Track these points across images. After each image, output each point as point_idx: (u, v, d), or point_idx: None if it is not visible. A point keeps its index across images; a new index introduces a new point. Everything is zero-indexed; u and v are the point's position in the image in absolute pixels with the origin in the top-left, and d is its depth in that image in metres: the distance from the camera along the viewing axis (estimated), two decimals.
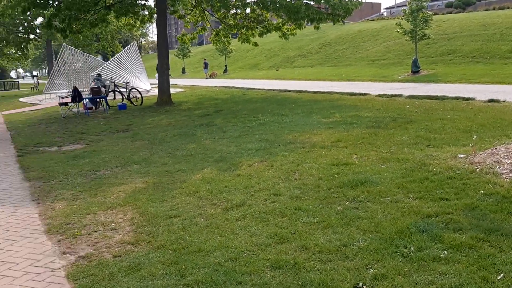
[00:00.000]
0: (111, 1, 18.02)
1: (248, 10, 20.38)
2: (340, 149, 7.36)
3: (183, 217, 4.82)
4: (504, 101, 11.34)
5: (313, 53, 40.57)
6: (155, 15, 19.04)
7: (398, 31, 22.57)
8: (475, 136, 7.45)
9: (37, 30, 41.77)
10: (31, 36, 43.77)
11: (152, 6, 20.28)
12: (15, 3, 14.63)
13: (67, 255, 4.15)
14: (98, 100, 17.65)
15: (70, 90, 18.14)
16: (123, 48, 27.86)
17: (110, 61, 23.97)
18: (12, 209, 5.63)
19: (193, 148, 8.55)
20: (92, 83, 19.08)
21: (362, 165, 6.29)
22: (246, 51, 49.65)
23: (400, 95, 14.37)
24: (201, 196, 5.52)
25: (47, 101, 24.09)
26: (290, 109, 12.99)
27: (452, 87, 15.84)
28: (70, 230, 4.75)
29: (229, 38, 23.41)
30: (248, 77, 35.02)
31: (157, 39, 18.63)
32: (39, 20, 38.53)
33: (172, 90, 19.79)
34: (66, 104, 16.55)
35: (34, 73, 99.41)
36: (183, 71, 53.94)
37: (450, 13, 40.58)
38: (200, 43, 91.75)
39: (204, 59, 45.60)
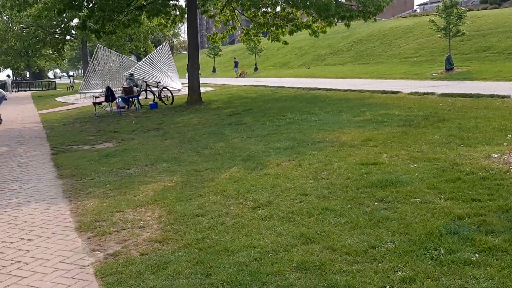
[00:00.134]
0: (143, 2, 18.29)
1: (278, 9, 20.34)
2: (369, 148, 7.25)
3: (210, 216, 4.84)
4: None
5: (344, 51, 40.14)
6: (186, 15, 19.22)
7: (431, 28, 22.05)
8: (510, 135, 7.21)
9: (73, 32, 42.81)
10: (67, 37, 44.90)
11: (183, 6, 20.48)
12: (51, 5, 15.04)
13: (96, 252, 4.22)
14: (130, 99, 17.95)
15: (104, 89, 18.50)
16: (156, 48, 28.24)
17: (142, 61, 24.34)
18: (46, 206, 5.78)
19: (221, 147, 8.59)
20: (125, 83, 19.42)
21: (392, 164, 6.17)
22: (277, 50, 49.53)
23: (433, 93, 14.06)
24: (228, 195, 5.53)
25: (82, 100, 24.66)
26: (320, 108, 12.88)
27: (486, 85, 15.38)
28: (100, 227, 4.84)
29: (259, 36, 23.40)
30: (278, 75, 34.94)
31: (187, 38, 18.80)
32: (75, 21, 39.54)
33: (202, 89, 19.95)
34: (99, 103, 16.91)
35: (70, 73, 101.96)
36: (214, 70, 54.27)
37: (485, 9, 39.48)
38: (231, 42, 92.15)
39: (235, 58, 45.73)
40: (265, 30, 21.56)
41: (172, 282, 3.50)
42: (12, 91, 42.75)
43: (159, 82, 20.70)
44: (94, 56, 24.34)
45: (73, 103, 23.87)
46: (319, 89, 19.50)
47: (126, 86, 18.13)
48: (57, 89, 45.82)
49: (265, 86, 24.11)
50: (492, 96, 12.21)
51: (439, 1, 24.70)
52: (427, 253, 3.56)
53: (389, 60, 31.35)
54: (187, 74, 19.86)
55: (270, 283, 3.35)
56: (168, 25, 21.63)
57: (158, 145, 9.48)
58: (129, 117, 15.41)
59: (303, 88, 20.54)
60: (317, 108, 12.91)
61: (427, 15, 38.98)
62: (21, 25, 44.94)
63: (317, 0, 15.95)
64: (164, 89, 19.54)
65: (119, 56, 26.28)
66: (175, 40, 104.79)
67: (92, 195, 6.09)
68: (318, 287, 3.25)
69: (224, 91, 23.58)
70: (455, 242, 3.68)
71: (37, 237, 4.71)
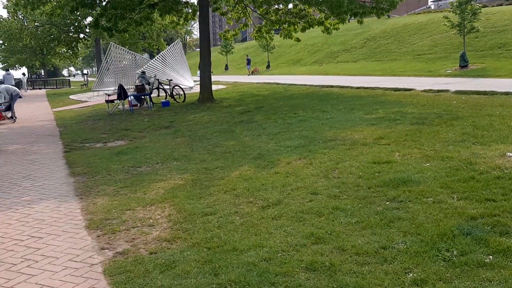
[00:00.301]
0: (155, 0, 18.32)
1: (290, 6, 20.24)
2: (382, 147, 7.17)
3: (219, 215, 4.81)
4: None
5: (357, 48, 39.85)
6: (198, 12, 19.21)
7: (446, 24, 21.77)
8: None
9: (87, 30, 43.15)
10: (81, 36, 45.28)
11: (195, 3, 20.48)
12: (64, 2, 15.13)
13: (105, 250, 4.22)
14: (142, 97, 18.02)
15: (117, 87, 18.58)
16: (168, 46, 28.30)
17: (155, 59, 24.40)
18: (57, 204, 5.80)
19: (232, 145, 8.56)
20: (137, 81, 19.49)
21: (404, 163, 6.09)
22: (289, 47, 49.38)
23: (447, 91, 13.87)
24: (238, 193, 5.50)
25: (95, 98, 24.81)
26: (332, 105, 12.79)
27: (502, 82, 15.13)
28: (109, 225, 4.84)
29: (271, 34, 23.31)
30: (290, 73, 34.83)
31: (199, 36, 18.80)
32: (88, 20, 39.88)
33: (214, 87, 19.93)
34: (112, 101, 17.00)
35: (85, 71, 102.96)
36: (226, 68, 54.31)
37: (501, 5, 38.84)
38: (244, 40, 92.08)
39: (247, 56, 45.70)
40: (277, 27, 21.48)
41: (180, 281, 3.48)
42: (27, 89, 43.24)
43: (171, 80, 20.74)
44: (107, 54, 24.48)
45: (86, 101, 24.03)
46: (331, 86, 19.38)
47: (138, 84, 18.19)
48: (71, 87, 46.21)
49: (277, 84, 24.03)
50: (507, 93, 12.00)
51: None
52: (439, 254, 3.49)
53: (403, 57, 31.05)
54: (198, 72, 19.84)
55: (278, 283, 3.31)
56: (180, 22, 21.64)
57: (169, 143, 9.49)
58: (141, 115, 15.46)
59: (316, 86, 20.43)
60: (329, 105, 12.81)
61: (441, 11, 38.50)
62: (35, 23, 45.45)
63: None
64: (176, 87, 19.57)
65: (132, 54, 26.40)
66: (187, 37, 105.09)
67: (103, 193, 6.10)
68: None
69: (236, 89, 23.55)
70: (468, 243, 3.61)
71: (47, 235, 4.73)
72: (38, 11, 17.51)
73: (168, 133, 10.88)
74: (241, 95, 19.68)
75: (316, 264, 3.53)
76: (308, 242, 3.95)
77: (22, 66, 60.51)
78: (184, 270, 3.64)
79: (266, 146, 8.09)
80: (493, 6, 37.52)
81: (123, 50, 25.58)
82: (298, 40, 21.72)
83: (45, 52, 51.36)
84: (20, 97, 17.15)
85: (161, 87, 20.32)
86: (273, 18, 20.49)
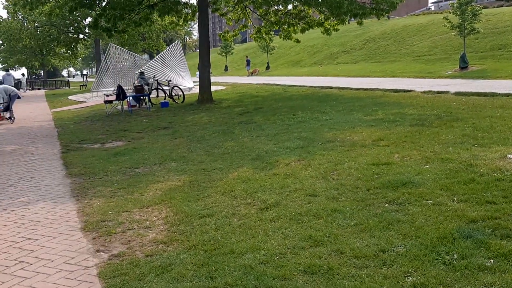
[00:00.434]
0: (154, 0, 18.27)
1: (290, 7, 20.20)
2: (381, 148, 7.11)
3: (217, 217, 4.75)
4: None
5: (357, 49, 39.82)
6: (198, 13, 19.17)
7: (446, 26, 21.75)
8: None
9: (86, 30, 43.10)
10: (81, 36, 45.22)
11: (195, 4, 20.43)
12: (63, 3, 15.07)
13: (101, 253, 4.16)
14: (141, 98, 17.96)
15: (115, 88, 18.52)
16: (168, 47, 28.26)
17: (154, 60, 24.35)
18: (53, 205, 5.74)
19: (231, 146, 8.50)
20: (136, 81, 19.43)
21: (403, 165, 6.03)
22: (289, 48, 49.35)
23: (447, 92, 13.83)
24: (236, 195, 5.44)
25: (94, 99, 24.75)
26: (331, 107, 12.74)
27: (502, 84, 15.09)
28: (105, 227, 4.78)
29: (271, 35, 23.27)
30: (290, 74, 34.79)
31: (198, 37, 18.75)
32: (88, 20, 39.80)
33: (213, 88, 19.88)
34: (110, 102, 16.94)
35: (84, 71, 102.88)
36: (226, 69, 54.26)
37: (501, 6, 38.85)
38: (243, 41, 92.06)
39: (247, 57, 45.67)
40: (276, 28, 21.43)
41: (176, 285, 3.42)
42: (27, 89, 43.17)
43: (170, 81, 20.68)
44: (107, 55, 24.43)
45: (85, 102, 23.96)
46: (331, 87, 19.34)
47: (137, 84, 18.13)
48: (70, 88, 46.14)
49: (277, 85, 23.99)
50: (507, 95, 11.96)
51: None
52: (439, 258, 3.43)
53: (402, 58, 31.02)
54: (197, 73, 19.79)
55: (276, 287, 3.25)
56: (180, 23, 21.61)
57: (167, 144, 9.43)
58: (140, 115, 15.41)
59: (315, 87, 20.39)
60: (329, 107, 12.77)
61: (441, 12, 38.49)
62: (35, 24, 45.40)
63: None
64: (175, 88, 19.52)
65: (132, 55, 26.34)
66: (187, 38, 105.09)
67: (100, 194, 6.04)
68: None
69: (235, 90, 23.51)
70: (468, 247, 3.55)
71: (42, 237, 4.67)
72: (37, 11, 17.46)
73: (167, 134, 10.82)
74: (241, 96, 19.63)
75: (314, 267, 3.48)
76: (306, 244, 3.90)
77: (21, 66, 60.44)
78: (180, 273, 3.58)
79: (265, 147, 8.04)
80: (493, 7, 37.52)
81: (123, 50, 25.52)
82: (297, 41, 21.68)
83: (44, 53, 51.28)
84: (19, 97, 17.09)
85: (160, 87, 20.26)
86: (272, 19, 20.45)
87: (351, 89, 17.87)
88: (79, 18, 40.99)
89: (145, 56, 47.74)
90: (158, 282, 3.49)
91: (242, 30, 23.02)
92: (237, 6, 20.86)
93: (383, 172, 5.78)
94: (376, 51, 36.62)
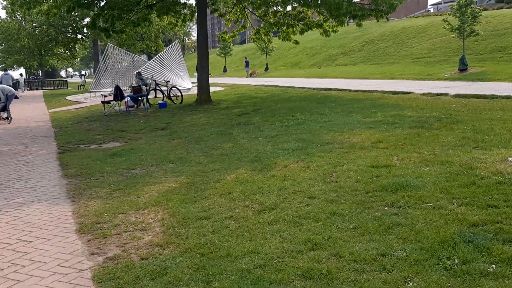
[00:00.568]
0: (153, 0, 18.21)
1: (289, 8, 20.15)
2: (380, 150, 7.05)
3: (214, 219, 4.68)
4: None
5: (356, 51, 39.80)
6: (196, 13, 19.10)
7: (445, 28, 21.69)
8: None
9: (84, 30, 42.99)
10: (79, 36, 45.11)
11: (193, 4, 20.36)
12: (60, 2, 14.98)
13: (96, 255, 4.09)
14: (139, 98, 17.88)
15: (113, 88, 18.44)
16: (166, 47, 28.19)
17: (152, 60, 24.28)
18: (48, 207, 5.67)
19: (229, 148, 8.43)
20: (134, 82, 19.35)
21: (403, 167, 5.97)
22: (288, 50, 49.33)
23: (446, 94, 13.78)
24: (233, 197, 5.37)
25: (92, 99, 24.66)
26: (330, 108, 12.68)
27: (502, 86, 15.05)
28: (100, 229, 4.70)
29: (270, 36, 23.22)
30: (289, 75, 34.74)
31: (197, 37, 18.68)
32: (86, 20, 39.68)
33: (212, 89, 19.82)
34: (108, 102, 16.85)
35: (83, 72, 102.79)
36: (225, 70, 54.21)
37: (501, 8, 38.87)
38: (242, 42, 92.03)
39: (245, 58, 45.61)
40: (275, 29, 21.38)
41: None
42: (25, 89, 43.04)
43: (168, 81, 20.62)
44: (105, 55, 24.34)
45: (83, 102, 23.88)
46: (329, 89, 19.28)
47: (135, 85, 18.05)
48: (68, 88, 46.04)
49: (275, 86, 23.93)
50: (508, 97, 11.91)
51: (453, 1, 24.34)
52: (440, 263, 3.37)
53: (401, 60, 30.99)
54: (196, 74, 19.73)
55: None
56: (178, 24, 21.53)
57: (165, 145, 9.36)
58: (138, 116, 15.33)
59: (314, 88, 20.33)
60: (327, 108, 12.71)
61: (440, 15, 38.50)
62: (33, 24, 45.28)
63: None
64: (173, 88, 19.44)
65: (130, 55, 26.26)
66: (186, 39, 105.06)
67: (95, 196, 5.97)
68: None
69: (234, 91, 23.44)
70: (470, 251, 3.48)
71: (36, 239, 4.60)
72: (34, 10, 17.38)
73: (164, 135, 10.75)
74: (239, 97, 19.57)
75: (312, 271, 3.41)
76: (305, 248, 3.83)
77: (20, 66, 60.23)
78: (176, 277, 3.51)
79: (263, 149, 7.97)
80: (493, 9, 37.54)
81: (121, 51, 25.44)
82: (296, 42, 21.61)
83: (42, 53, 51.17)
84: (16, 97, 16.99)
85: (158, 88, 20.19)
86: (271, 20, 20.38)
87: (350, 91, 17.82)
88: (77, 18, 40.88)
89: (144, 56, 47.66)
90: (153, 286, 3.42)
91: (241, 31, 22.95)
92: (236, 7, 20.79)
93: (382, 175, 5.71)
94: (375, 53, 36.61)
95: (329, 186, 5.48)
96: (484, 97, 12.39)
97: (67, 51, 47.26)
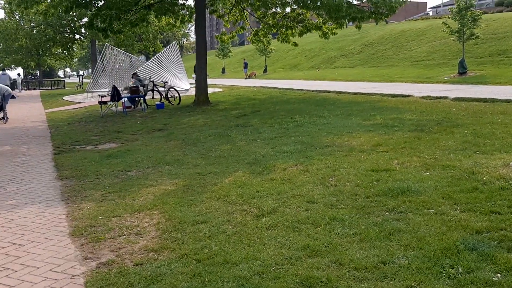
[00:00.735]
0: (151, 1, 18.10)
1: (288, 10, 20.06)
2: (380, 154, 6.95)
3: (211, 224, 4.57)
4: None
5: (355, 54, 39.76)
6: (195, 14, 19.00)
7: (445, 31, 21.67)
8: None
9: (82, 31, 42.86)
10: (77, 36, 45.00)
11: (192, 5, 20.26)
12: (58, 2, 14.86)
13: (89, 260, 3.98)
14: (136, 99, 17.76)
15: (110, 89, 18.32)
16: (164, 48, 28.07)
17: (150, 61, 24.17)
18: (41, 209, 5.55)
19: (227, 150, 8.32)
20: (131, 82, 19.23)
21: (403, 171, 5.87)
22: (286, 51, 49.27)
23: (446, 97, 13.70)
24: (231, 201, 5.26)
25: (89, 99, 24.53)
26: (329, 111, 12.59)
27: (502, 89, 14.99)
28: (94, 233, 4.59)
29: (268, 38, 23.14)
30: (287, 77, 34.66)
31: (195, 38, 18.58)
32: (84, 20, 39.52)
33: (210, 90, 19.71)
34: (105, 102, 16.73)
35: (80, 72, 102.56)
36: (223, 71, 54.12)
37: (501, 11, 38.88)
38: (241, 43, 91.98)
39: (244, 59, 45.54)
40: (274, 31, 21.29)
41: None
42: (22, 89, 42.86)
43: (166, 82, 20.51)
44: (102, 55, 24.22)
45: (80, 102, 23.75)
46: (328, 91, 19.21)
47: (132, 85, 17.93)
48: (65, 88, 45.86)
49: (274, 88, 23.84)
50: (508, 101, 11.84)
51: (452, 4, 24.31)
52: (444, 271, 3.26)
53: (400, 63, 30.95)
54: (193, 75, 19.61)
55: None
56: (177, 25, 21.43)
57: (162, 147, 9.25)
58: (135, 117, 15.21)
59: (312, 91, 20.26)
60: (326, 111, 12.61)
61: (439, 18, 38.49)
62: (31, 24, 45.13)
63: (327, 0, 15.63)
64: (171, 89, 19.33)
65: (129, 56, 26.14)
66: (184, 40, 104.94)
67: (90, 198, 5.85)
68: None
69: (232, 92, 23.34)
70: (474, 260, 3.38)
71: (29, 242, 4.48)
72: (32, 10, 17.26)
73: (161, 136, 10.64)
74: (238, 99, 19.47)
75: (312, 279, 3.30)
76: (304, 254, 3.72)
77: (17, 66, 60.08)
78: (171, 284, 3.40)
79: (261, 151, 7.86)
80: (493, 12, 37.53)
81: (119, 51, 25.32)
82: (295, 44, 21.53)
83: (40, 53, 51.02)
84: (13, 97, 16.87)
85: (156, 89, 20.07)
86: (270, 21, 20.30)
87: (348, 93, 17.74)
88: (75, 18, 40.74)
89: (142, 57, 47.51)
90: None
91: (240, 32, 22.84)
92: (234, 8, 20.71)
93: (382, 179, 5.61)
94: (374, 55, 36.57)
95: (329, 190, 5.37)
96: (485, 100, 12.32)
97: (65, 51, 47.15)
